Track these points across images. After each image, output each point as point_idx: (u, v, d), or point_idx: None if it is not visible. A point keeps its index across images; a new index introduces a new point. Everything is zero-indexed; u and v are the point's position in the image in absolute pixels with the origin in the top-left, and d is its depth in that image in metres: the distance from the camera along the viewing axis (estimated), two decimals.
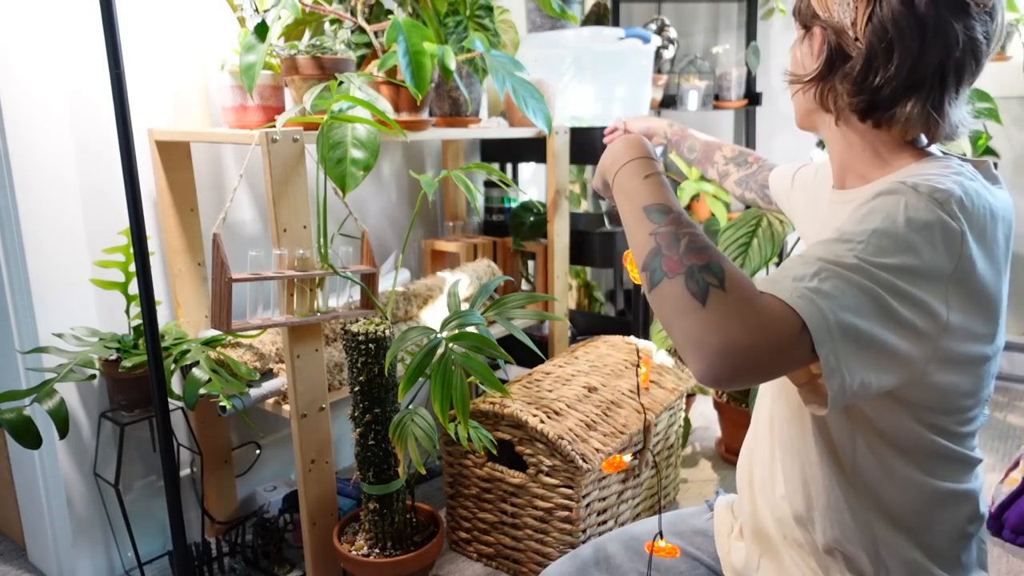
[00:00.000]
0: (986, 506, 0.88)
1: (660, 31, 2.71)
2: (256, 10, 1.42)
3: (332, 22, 1.56)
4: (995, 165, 0.81)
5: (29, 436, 1.30)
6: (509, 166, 2.42)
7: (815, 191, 1.05)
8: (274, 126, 1.32)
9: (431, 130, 1.62)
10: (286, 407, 1.51)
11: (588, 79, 2.12)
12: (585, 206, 2.78)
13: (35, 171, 1.46)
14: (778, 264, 2.05)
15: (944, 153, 0.83)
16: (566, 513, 1.53)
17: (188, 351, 1.48)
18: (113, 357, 1.47)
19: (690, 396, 2.37)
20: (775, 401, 0.93)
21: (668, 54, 2.76)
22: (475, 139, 2.34)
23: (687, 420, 2.10)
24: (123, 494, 1.59)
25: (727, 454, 2.21)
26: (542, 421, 1.52)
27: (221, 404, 1.42)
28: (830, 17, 0.80)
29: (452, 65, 1.42)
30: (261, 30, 1.34)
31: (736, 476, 1.04)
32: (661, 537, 0.99)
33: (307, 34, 1.60)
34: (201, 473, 1.74)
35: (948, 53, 0.76)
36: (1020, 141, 2.61)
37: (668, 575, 1.03)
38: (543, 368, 1.80)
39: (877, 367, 0.68)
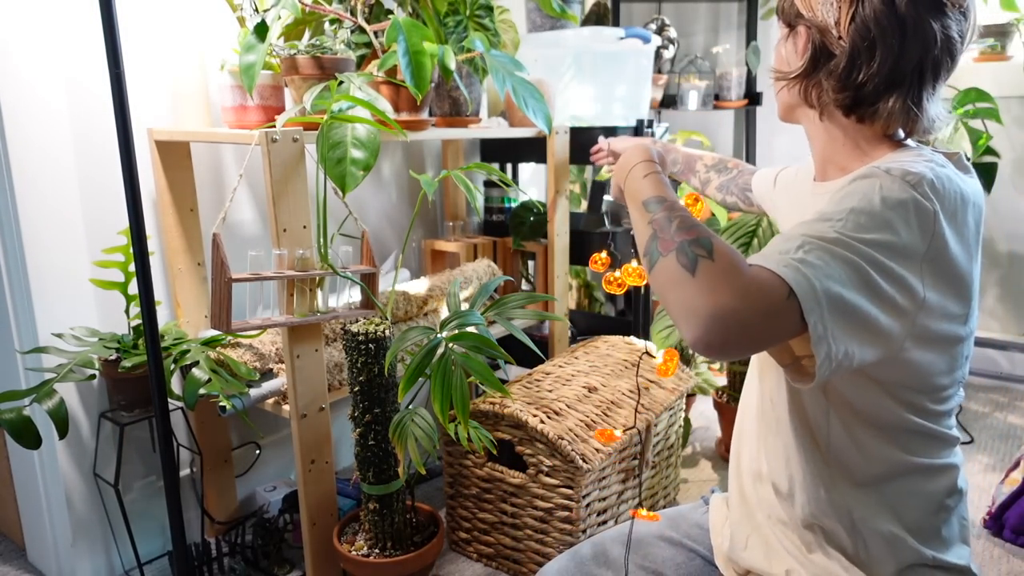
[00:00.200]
0: (965, 482, 0.91)
1: (660, 31, 2.71)
2: (256, 10, 1.41)
3: (332, 22, 1.56)
4: (967, 157, 0.87)
5: (29, 436, 1.30)
6: (509, 166, 2.42)
7: (797, 188, 1.09)
8: (274, 126, 1.32)
9: (431, 130, 1.62)
10: (286, 407, 1.51)
11: (588, 79, 2.12)
12: (585, 206, 2.78)
13: (35, 171, 1.46)
14: None
15: (918, 144, 0.89)
16: (566, 513, 1.53)
17: (188, 351, 1.48)
18: (113, 357, 1.47)
19: (690, 396, 2.37)
20: (760, 383, 0.97)
21: (668, 54, 2.76)
22: (475, 139, 2.34)
23: (687, 420, 2.10)
24: (123, 494, 1.59)
25: (727, 454, 2.21)
26: (542, 421, 1.52)
27: (221, 404, 1.42)
28: (814, 16, 0.84)
29: (452, 65, 1.42)
30: (261, 30, 1.34)
31: (728, 468, 1.08)
32: (641, 506, 1.03)
33: (307, 34, 1.60)
34: (201, 473, 1.74)
35: (926, 51, 0.81)
36: (1020, 141, 2.61)
37: (665, 566, 1.05)
38: (543, 368, 1.80)
39: (861, 338, 0.71)
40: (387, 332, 1.41)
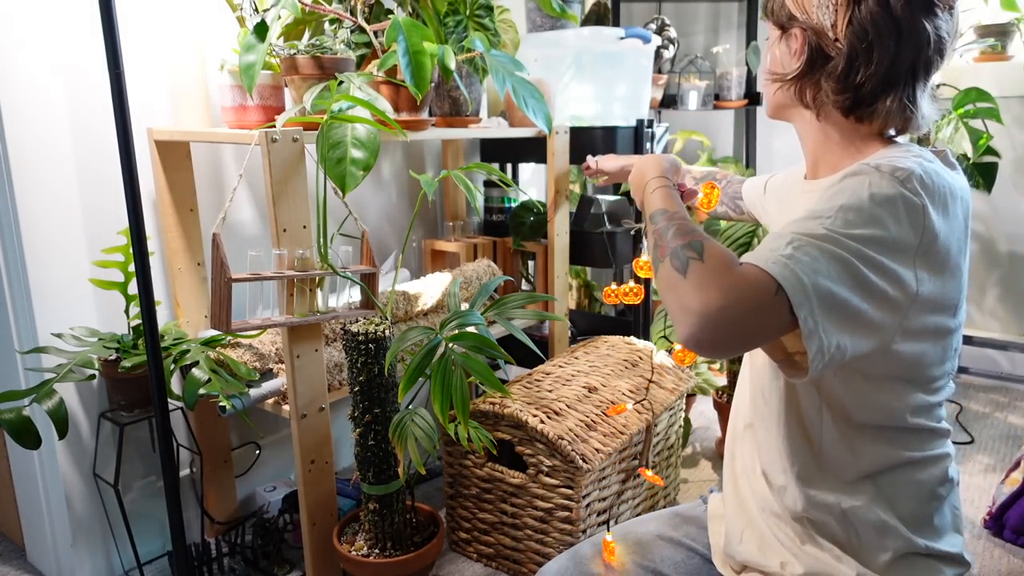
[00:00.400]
0: (957, 472, 0.93)
1: (660, 31, 2.71)
2: (256, 10, 1.41)
3: (332, 22, 1.56)
4: (951, 153, 0.89)
5: (28, 436, 1.30)
6: (509, 166, 2.42)
7: (786, 190, 1.11)
8: (274, 126, 1.32)
9: (431, 130, 1.62)
10: (286, 407, 1.51)
11: (588, 79, 2.12)
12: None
13: (34, 171, 1.46)
14: None
15: (908, 141, 0.91)
16: (566, 513, 1.53)
17: (188, 351, 1.48)
18: (112, 357, 1.47)
19: (690, 396, 2.37)
20: (753, 378, 0.98)
21: (668, 54, 2.75)
22: (475, 139, 2.34)
23: (687, 420, 2.09)
24: (122, 494, 1.59)
25: None
26: (542, 421, 1.52)
27: (221, 404, 1.42)
28: (809, 19, 0.86)
29: (452, 65, 1.42)
30: (261, 30, 1.34)
31: (723, 470, 1.09)
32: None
33: (307, 34, 1.60)
34: (201, 473, 1.74)
35: (920, 50, 0.83)
36: (1021, 141, 2.61)
37: (664, 564, 1.06)
38: (543, 368, 1.80)
39: (852, 331, 0.73)
40: (387, 332, 1.41)
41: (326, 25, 1.56)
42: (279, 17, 1.43)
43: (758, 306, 0.69)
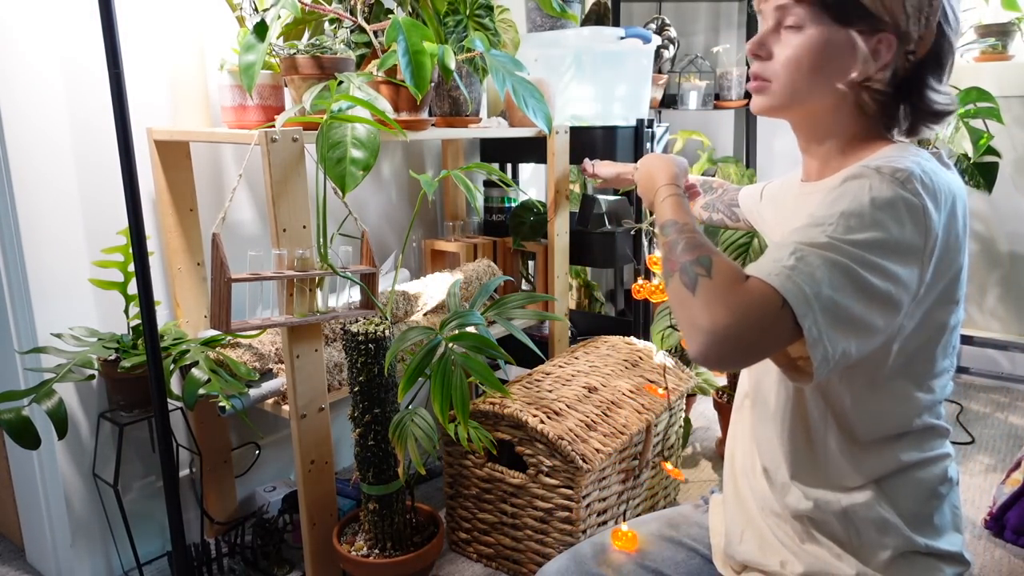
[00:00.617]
0: (956, 471, 0.94)
1: (660, 31, 2.71)
2: (255, 9, 1.41)
3: (332, 21, 1.55)
4: (945, 154, 0.93)
5: (28, 436, 1.30)
6: (509, 166, 2.42)
7: (782, 195, 1.11)
8: (273, 126, 1.32)
9: (431, 130, 1.62)
10: (286, 407, 1.51)
11: (588, 79, 2.12)
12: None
13: (34, 171, 1.45)
14: None
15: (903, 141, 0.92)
16: (566, 514, 1.53)
17: (187, 351, 1.48)
18: (112, 357, 1.47)
19: (690, 396, 2.36)
20: (758, 380, 0.98)
21: (668, 54, 2.75)
22: (475, 139, 2.34)
23: (687, 420, 2.09)
24: (122, 495, 1.59)
25: None
26: (542, 421, 1.52)
27: (220, 404, 1.42)
28: (896, 24, 0.83)
29: (452, 65, 1.42)
30: (260, 29, 1.33)
31: (723, 471, 1.10)
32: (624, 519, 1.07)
33: (306, 33, 1.60)
34: (200, 473, 1.74)
35: (951, 63, 0.87)
36: (1022, 140, 2.61)
37: (665, 564, 1.06)
38: (543, 368, 1.80)
39: (857, 336, 0.74)
40: (387, 332, 1.41)
41: (326, 25, 1.56)
42: (279, 17, 1.43)
43: (764, 321, 0.70)
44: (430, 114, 1.70)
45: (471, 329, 1.35)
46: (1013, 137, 2.59)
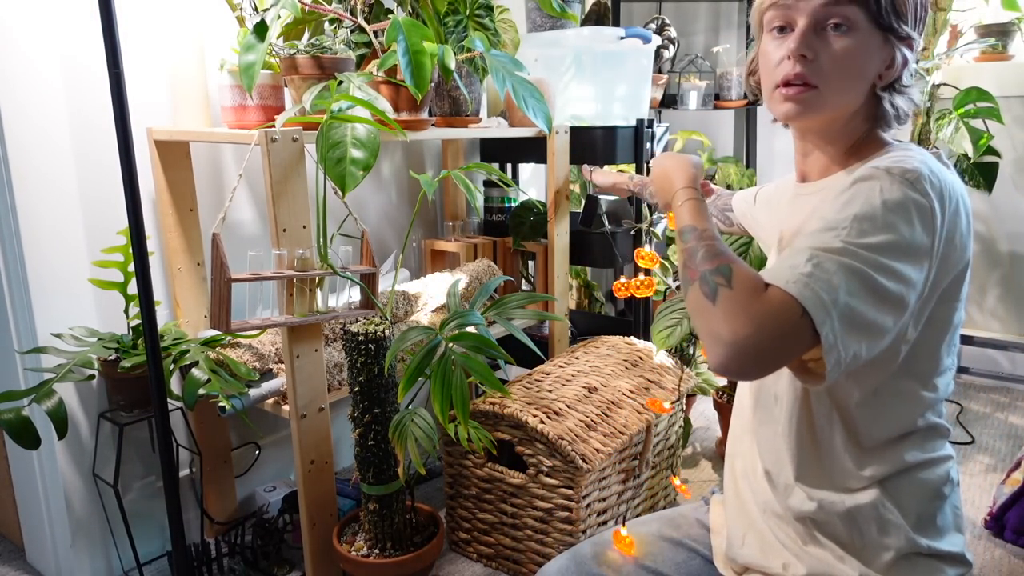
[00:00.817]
0: (957, 472, 0.94)
1: (660, 31, 2.71)
2: (255, 9, 1.41)
3: (332, 21, 1.55)
4: (943, 154, 0.95)
5: (28, 436, 1.30)
6: (509, 166, 2.42)
7: (777, 198, 1.12)
8: (273, 126, 1.32)
9: (431, 130, 1.62)
10: (286, 407, 1.51)
11: (588, 79, 2.12)
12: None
13: (34, 171, 1.45)
14: None
15: (899, 141, 0.93)
16: (566, 514, 1.53)
17: (187, 351, 1.48)
18: (112, 357, 1.47)
19: (690, 397, 2.36)
20: (758, 381, 0.98)
21: (668, 54, 2.75)
22: (475, 139, 2.34)
23: (687, 420, 2.09)
24: (122, 495, 1.59)
25: None
26: (542, 421, 1.52)
27: (220, 404, 1.42)
28: (910, 32, 0.86)
29: (452, 65, 1.42)
30: (260, 29, 1.33)
31: (723, 474, 1.10)
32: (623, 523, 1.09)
33: (306, 33, 1.60)
34: (200, 473, 1.74)
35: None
36: (1022, 140, 2.60)
37: (666, 565, 1.06)
38: (543, 368, 1.80)
39: (869, 339, 0.75)
40: (387, 332, 1.41)
41: (326, 25, 1.56)
42: (279, 17, 1.43)
43: (785, 332, 0.71)
44: (430, 114, 1.70)
45: (471, 329, 1.35)
46: (1013, 137, 2.59)
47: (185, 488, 1.76)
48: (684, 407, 1.98)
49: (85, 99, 1.51)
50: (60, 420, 1.33)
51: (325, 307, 1.44)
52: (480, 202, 2.33)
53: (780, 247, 0.98)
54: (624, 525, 1.10)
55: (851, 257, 0.74)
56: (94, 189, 1.54)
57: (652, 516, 1.16)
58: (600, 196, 2.05)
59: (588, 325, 2.39)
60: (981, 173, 2.25)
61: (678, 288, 2.03)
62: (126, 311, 1.51)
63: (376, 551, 1.49)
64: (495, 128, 1.89)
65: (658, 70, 2.71)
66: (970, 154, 2.11)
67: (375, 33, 1.56)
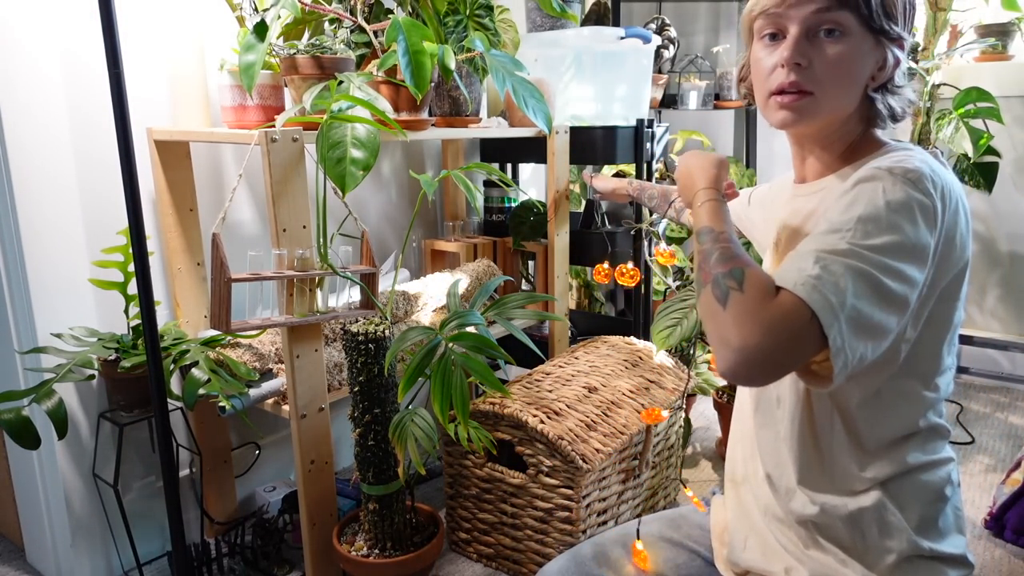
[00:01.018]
0: (958, 474, 0.94)
1: (660, 31, 2.71)
2: (255, 9, 1.41)
3: (332, 21, 1.55)
4: (941, 154, 0.95)
5: (28, 436, 1.30)
6: (509, 166, 2.41)
7: (771, 199, 1.12)
8: (273, 126, 1.32)
9: (431, 130, 1.62)
10: (286, 407, 1.51)
11: (588, 79, 2.12)
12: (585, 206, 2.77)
13: (34, 171, 1.45)
14: None
15: (895, 141, 0.94)
16: (566, 514, 1.53)
17: (187, 351, 1.48)
18: (112, 357, 1.47)
19: (690, 397, 2.36)
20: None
21: (668, 54, 2.75)
22: (475, 139, 2.34)
23: (687, 420, 2.09)
24: (122, 495, 1.59)
25: None
26: (542, 421, 1.52)
27: (220, 404, 1.42)
28: (900, 34, 0.87)
29: (452, 65, 1.42)
30: (260, 29, 1.33)
31: (724, 476, 1.10)
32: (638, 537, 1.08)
33: (306, 33, 1.60)
34: (200, 473, 1.74)
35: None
36: (1022, 140, 2.60)
37: (666, 566, 1.06)
38: (543, 368, 1.80)
39: (874, 340, 0.75)
40: (387, 332, 1.41)
41: (326, 25, 1.56)
42: (279, 17, 1.43)
43: (793, 338, 0.72)
44: (430, 114, 1.70)
45: (471, 329, 1.35)
46: (1013, 137, 2.59)
47: (185, 488, 1.76)
48: (684, 407, 1.98)
49: (85, 99, 1.51)
50: (60, 420, 1.33)
51: (325, 307, 1.44)
52: (480, 202, 2.33)
53: (777, 248, 0.98)
54: (639, 539, 1.07)
55: (857, 259, 0.74)
56: (94, 189, 1.54)
57: (652, 517, 1.15)
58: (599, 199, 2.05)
59: (588, 325, 2.39)
60: (981, 173, 2.25)
61: (678, 288, 2.03)
62: (126, 311, 1.51)
63: (376, 551, 1.49)
64: (495, 128, 1.89)
65: (658, 70, 2.71)
66: (970, 154, 2.11)
67: (375, 33, 1.56)
